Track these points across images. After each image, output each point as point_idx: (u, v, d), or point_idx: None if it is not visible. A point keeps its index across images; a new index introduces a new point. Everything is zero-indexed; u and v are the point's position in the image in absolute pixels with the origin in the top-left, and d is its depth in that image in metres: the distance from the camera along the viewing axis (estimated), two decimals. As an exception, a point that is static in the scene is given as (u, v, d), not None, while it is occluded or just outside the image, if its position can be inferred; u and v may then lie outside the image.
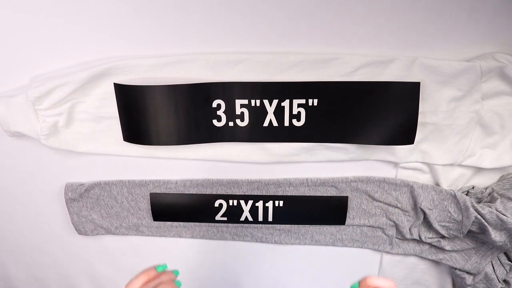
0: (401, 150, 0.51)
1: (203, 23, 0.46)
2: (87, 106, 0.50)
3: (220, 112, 0.49)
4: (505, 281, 0.57)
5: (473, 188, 0.54)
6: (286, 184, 0.55)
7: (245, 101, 0.49)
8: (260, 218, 0.57)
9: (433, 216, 0.52)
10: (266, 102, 0.48)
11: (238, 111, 0.49)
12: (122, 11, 0.46)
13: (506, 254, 0.56)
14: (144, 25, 0.46)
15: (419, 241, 0.56)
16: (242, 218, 0.58)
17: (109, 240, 0.63)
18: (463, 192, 0.53)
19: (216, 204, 0.57)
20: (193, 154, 0.53)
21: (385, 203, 0.55)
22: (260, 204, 0.56)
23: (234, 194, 0.56)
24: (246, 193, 0.56)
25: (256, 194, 0.56)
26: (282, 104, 0.48)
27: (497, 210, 0.49)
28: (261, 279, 0.65)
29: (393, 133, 0.49)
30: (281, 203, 0.56)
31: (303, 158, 0.53)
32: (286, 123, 0.50)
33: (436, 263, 0.60)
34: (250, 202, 0.56)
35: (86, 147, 0.53)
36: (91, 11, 0.46)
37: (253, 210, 0.57)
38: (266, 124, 0.50)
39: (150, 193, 0.57)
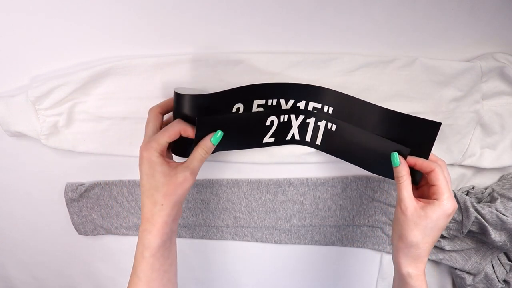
0: (401, 150, 0.51)
1: (203, 23, 0.46)
2: (88, 106, 0.50)
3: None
4: (505, 281, 0.57)
5: (473, 188, 0.54)
6: (286, 184, 0.55)
7: (263, 101, 0.47)
8: (308, 138, 0.50)
9: (433, 216, 0.52)
10: (282, 101, 0.47)
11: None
12: (122, 11, 0.45)
13: (506, 254, 0.56)
14: (144, 25, 0.46)
15: (419, 241, 0.56)
16: (289, 137, 0.50)
17: (109, 240, 0.63)
18: (463, 192, 0.53)
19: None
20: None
21: (385, 203, 0.55)
22: (311, 120, 0.49)
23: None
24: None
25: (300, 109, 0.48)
26: (298, 104, 0.47)
27: (497, 210, 0.49)
28: (261, 279, 0.65)
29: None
30: (334, 127, 0.48)
31: (303, 159, 0.53)
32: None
33: (436, 263, 0.60)
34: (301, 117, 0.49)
35: (86, 147, 0.53)
36: (91, 11, 0.45)
37: (302, 126, 0.50)
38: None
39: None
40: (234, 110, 0.47)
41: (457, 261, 0.56)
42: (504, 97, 0.48)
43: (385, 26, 0.45)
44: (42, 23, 0.46)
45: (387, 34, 0.46)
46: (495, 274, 0.56)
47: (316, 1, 0.44)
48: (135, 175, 0.57)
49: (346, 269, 0.63)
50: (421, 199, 0.41)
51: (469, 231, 0.52)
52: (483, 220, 0.49)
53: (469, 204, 0.50)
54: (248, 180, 0.55)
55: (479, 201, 0.53)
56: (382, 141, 0.44)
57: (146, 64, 0.48)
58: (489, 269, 0.56)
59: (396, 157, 0.42)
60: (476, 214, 0.49)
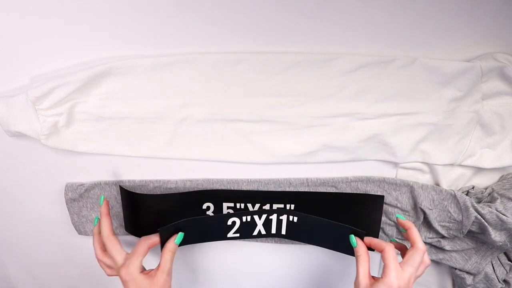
0: (401, 150, 0.51)
1: (203, 23, 0.46)
2: (88, 106, 0.50)
3: (209, 212, 0.56)
4: (505, 281, 0.57)
5: (473, 188, 0.54)
6: (286, 184, 0.55)
7: (231, 204, 0.56)
8: (273, 231, 0.57)
9: (433, 216, 0.52)
10: (249, 205, 0.56)
11: (225, 211, 0.56)
12: (122, 11, 0.46)
13: (506, 254, 0.56)
14: (144, 25, 0.46)
15: (419, 241, 0.56)
16: (255, 233, 0.57)
17: (109, 240, 0.63)
18: (463, 192, 0.53)
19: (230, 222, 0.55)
20: (193, 154, 0.53)
21: (385, 203, 0.55)
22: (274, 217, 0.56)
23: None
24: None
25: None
26: (263, 207, 0.56)
27: (497, 210, 0.49)
28: (261, 279, 0.65)
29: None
30: (295, 219, 0.54)
31: (303, 159, 0.53)
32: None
33: (436, 263, 0.60)
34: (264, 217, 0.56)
35: (86, 147, 0.53)
36: (91, 11, 0.46)
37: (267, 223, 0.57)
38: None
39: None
40: (204, 207, 0.55)
41: (457, 261, 0.56)
42: (504, 97, 0.48)
43: (385, 26, 0.45)
44: (42, 23, 0.46)
45: (387, 34, 0.46)
46: (495, 274, 0.56)
47: (316, 1, 0.44)
48: (135, 175, 0.57)
49: (346, 269, 0.63)
50: (374, 277, 0.46)
51: (469, 231, 0.52)
52: (483, 220, 0.49)
53: (469, 204, 0.50)
54: (248, 180, 0.55)
55: (479, 201, 0.53)
56: (340, 226, 0.50)
57: (146, 64, 0.48)
58: (489, 269, 0.56)
59: (353, 239, 0.48)
60: (476, 214, 0.49)
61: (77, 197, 0.58)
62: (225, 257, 0.63)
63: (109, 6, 0.45)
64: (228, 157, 0.53)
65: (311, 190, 0.55)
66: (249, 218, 0.52)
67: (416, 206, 0.53)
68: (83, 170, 0.57)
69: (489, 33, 0.46)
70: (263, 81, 0.48)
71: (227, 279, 0.65)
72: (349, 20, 0.45)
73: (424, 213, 0.53)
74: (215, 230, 0.53)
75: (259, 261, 0.63)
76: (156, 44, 0.48)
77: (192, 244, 0.62)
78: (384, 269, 0.44)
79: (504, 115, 0.49)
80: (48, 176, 0.58)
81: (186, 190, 0.56)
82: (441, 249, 0.56)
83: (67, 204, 0.59)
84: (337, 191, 0.55)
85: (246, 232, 0.54)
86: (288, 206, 0.56)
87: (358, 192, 0.55)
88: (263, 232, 0.54)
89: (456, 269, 0.57)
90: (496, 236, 0.50)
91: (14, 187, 0.60)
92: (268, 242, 0.60)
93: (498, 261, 0.56)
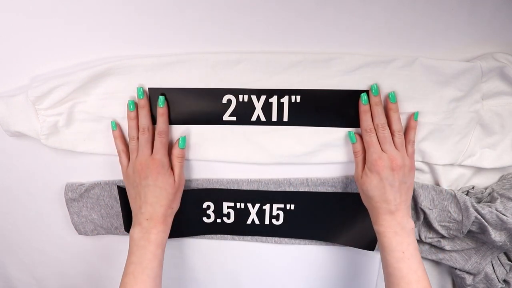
0: (401, 150, 0.51)
1: (203, 23, 0.46)
2: (88, 106, 0.50)
3: (209, 212, 0.57)
4: (505, 281, 0.57)
5: (473, 188, 0.54)
6: (286, 184, 0.55)
7: (231, 204, 0.57)
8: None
9: (433, 216, 0.52)
10: (249, 205, 0.56)
11: (225, 211, 0.57)
12: (122, 11, 0.46)
13: (506, 254, 0.56)
14: (144, 25, 0.46)
15: (419, 241, 0.56)
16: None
17: (109, 240, 0.63)
18: (463, 192, 0.53)
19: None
20: (193, 154, 0.53)
21: (385, 203, 0.55)
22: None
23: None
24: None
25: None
26: (264, 207, 0.56)
27: (497, 210, 0.49)
28: (261, 279, 0.65)
29: (357, 237, 0.56)
30: (298, 98, 0.50)
31: (303, 160, 0.53)
32: (267, 222, 0.57)
33: (436, 263, 0.60)
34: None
35: (86, 147, 0.53)
36: (91, 11, 0.46)
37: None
38: (249, 222, 0.57)
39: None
40: (204, 206, 0.57)
41: (457, 261, 0.56)
42: (504, 97, 0.48)
43: (385, 26, 0.45)
44: (42, 23, 0.46)
45: (387, 34, 0.46)
46: (495, 274, 0.56)
47: (316, 1, 0.44)
48: (135, 175, 0.57)
49: (346, 269, 0.63)
50: None
51: (469, 231, 0.52)
52: (483, 220, 0.49)
53: (469, 204, 0.50)
54: (248, 180, 0.55)
55: (479, 201, 0.53)
56: (347, 92, 0.48)
57: (146, 64, 0.48)
58: (489, 269, 0.56)
59: (352, 135, 0.49)
60: (476, 214, 0.49)
61: (77, 197, 0.58)
62: (225, 257, 0.63)
63: (109, 6, 0.45)
64: (228, 157, 0.53)
65: (311, 190, 0.55)
66: (246, 98, 0.49)
67: (416, 206, 0.53)
68: (83, 170, 0.57)
69: (489, 33, 0.46)
70: (263, 81, 0.48)
71: (227, 279, 0.65)
72: (349, 20, 0.45)
73: (424, 213, 0.53)
74: (210, 110, 0.50)
75: (259, 261, 0.63)
76: (156, 44, 0.48)
77: (193, 244, 0.62)
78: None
79: (504, 115, 0.49)
80: (48, 176, 0.58)
81: (186, 190, 0.56)
82: (441, 249, 0.56)
83: (67, 204, 0.59)
84: (337, 191, 0.55)
85: (244, 116, 0.50)
86: (288, 206, 0.56)
87: (358, 192, 0.55)
88: (263, 118, 0.50)
89: (456, 269, 0.57)
90: (496, 236, 0.50)
91: (14, 187, 0.60)
92: (268, 242, 0.60)
93: (498, 261, 0.56)
